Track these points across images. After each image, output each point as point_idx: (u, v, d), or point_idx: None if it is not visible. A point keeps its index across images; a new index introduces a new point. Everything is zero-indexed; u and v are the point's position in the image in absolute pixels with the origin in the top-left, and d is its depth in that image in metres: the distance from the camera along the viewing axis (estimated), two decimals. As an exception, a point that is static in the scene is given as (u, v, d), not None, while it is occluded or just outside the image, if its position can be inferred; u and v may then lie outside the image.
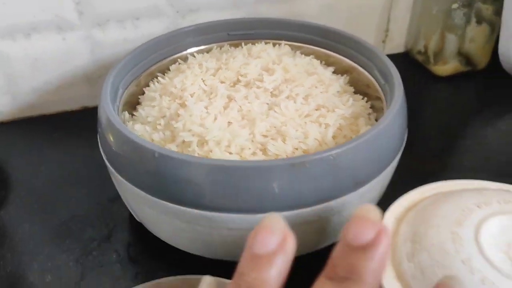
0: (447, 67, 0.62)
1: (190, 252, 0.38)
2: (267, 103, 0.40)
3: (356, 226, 0.18)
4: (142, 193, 0.35)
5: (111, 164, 0.37)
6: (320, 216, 0.34)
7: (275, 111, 0.38)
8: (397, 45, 0.68)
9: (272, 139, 0.36)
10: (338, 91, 0.43)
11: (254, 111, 0.38)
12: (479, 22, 0.58)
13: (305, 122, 0.38)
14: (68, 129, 0.55)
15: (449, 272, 0.22)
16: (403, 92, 0.38)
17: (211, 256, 0.37)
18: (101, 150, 0.39)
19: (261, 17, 0.50)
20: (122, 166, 0.36)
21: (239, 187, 0.32)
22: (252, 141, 0.36)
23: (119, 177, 0.36)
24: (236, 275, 0.19)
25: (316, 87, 0.42)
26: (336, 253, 0.18)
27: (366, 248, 0.17)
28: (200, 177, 0.32)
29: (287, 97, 0.40)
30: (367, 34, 0.65)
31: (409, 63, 0.67)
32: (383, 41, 0.67)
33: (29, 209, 0.45)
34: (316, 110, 0.39)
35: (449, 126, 0.57)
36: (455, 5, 0.57)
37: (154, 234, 0.39)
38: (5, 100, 0.54)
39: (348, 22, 0.62)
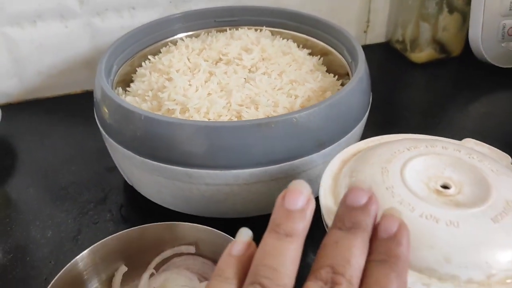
0: (422, 54, 0.66)
1: (173, 208, 0.42)
2: (244, 78, 0.44)
3: (354, 194, 0.23)
4: (131, 154, 0.39)
5: (104, 130, 0.42)
6: (287, 173, 0.39)
7: (250, 84, 0.43)
8: (378, 35, 0.72)
9: (246, 107, 0.41)
10: (311, 70, 0.47)
11: (232, 84, 0.43)
12: (451, 11, 0.63)
13: (277, 94, 0.42)
14: (70, 110, 0.60)
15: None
16: (365, 66, 0.43)
17: (191, 212, 0.42)
18: (96, 118, 0.44)
19: (245, 5, 0.54)
20: (114, 130, 0.40)
21: (214, 146, 0.37)
22: (229, 109, 0.41)
23: (111, 140, 0.41)
24: (272, 225, 0.23)
25: (290, 65, 0.46)
26: (340, 211, 0.24)
27: (363, 207, 0.23)
28: (180, 136, 0.37)
29: (263, 73, 0.45)
30: (349, 25, 0.69)
31: (389, 52, 0.72)
32: (365, 31, 0.71)
33: (33, 176, 0.50)
34: (289, 84, 0.44)
35: (423, 107, 0.61)
36: (428, -5, 0.62)
37: (141, 193, 0.44)
38: (14, 83, 0.59)
39: (330, 14, 0.66)
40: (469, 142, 0.32)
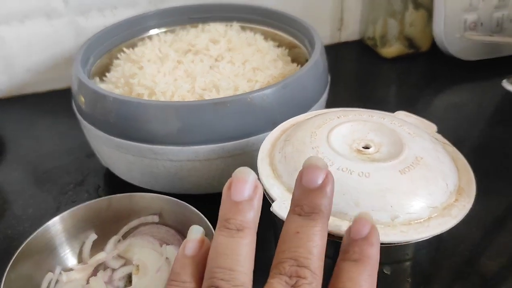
0: (392, 49, 0.70)
1: (143, 186, 0.46)
2: (210, 66, 0.48)
3: (310, 173, 0.23)
4: (103, 134, 0.43)
5: (80, 114, 0.45)
6: (244, 150, 0.42)
7: (214, 71, 0.47)
8: (352, 32, 0.76)
9: (209, 91, 0.45)
10: (274, 59, 0.51)
11: (197, 71, 0.47)
12: (416, 8, 0.66)
13: (238, 79, 0.46)
14: (55, 104, 0.64)
15: (302, 156, 0.30)
16: (320, 52, 0.46)
17: (160, 189, 0.45)
18: (73, 105, 0.47)
19: (217, 2, 0.58)
20: (87, 113, 0.44)
21: (175, 123, 0.40)
22: (192, 93, 0.45)
23: (85, 122, 0.44)
24: (222, 221, 0.22)
25: (254, 54, 0.50)
26: (297, 194, 0.23)
27: (319, 188, 0.23)
28: (145, 115, 0.40)
29: (228, 62, 0.48)
30: (323, 24, 0.73)
31: (362, 48, 0.75)
32: (339, 29, 0.75)
33: (18, 162, 0.54)
34: (251, 71, 0.48)
35: (392, 99, 0.65)
36: (394, -7, 0.65)
37: (115, 173, 0.47)
38: (3, 79, 0.63)
39: (304, 13, 0.69)
40: (400, 114, 0.36)
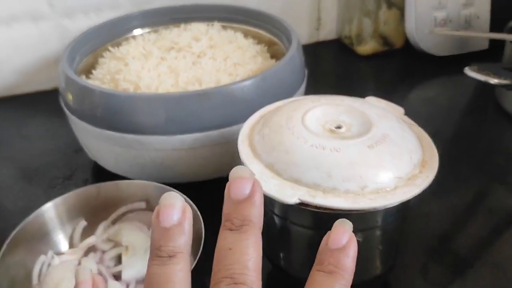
0: (367, 47, 0.73)
1: (131, 177, 0.47)
2: (193, 62, 0.50)
3: (237, 184, 0.22)
4: (90, 127, 0.45)
5: (68, 109, 0.47)
6: (227, 138, 0.44)
7: (196, 67, 0.49)
8: (329, 32, 0.79)
9: (192, 85, 0.47)
10: (253, 55, 0.53)
11: (180, 67, 0.49)
12: (389, 7, 0.69)
13: (220, 74, 0.48)
14: (44, 104, 0.65)
15: (279, 136, 0.32)
16: (296, 47, 0.49)
17: (148, 179, 0.47)
18: (61, 101, 0.49)
19: (198, 3, 0.61)
20: (75, 108, 0.46)
21: (160, 114, 0.42)
22: (176, 87, 0.47)
23: (73, 117, 0.46)
24: (153, 250, 0.22)
25: (235, 51, 0.53)
26: (227, 208, 0.23)
27: (248, 199, 0.22)
28: (131, 107, 0.43)
29: (210, 58, 0.51)
30: (301, 24, 0.76)
31: (340, 47, 0.78)
32: (317, 29, 0.78)
33: (8, 159, 0.55)
34: (232, 67, 0.50)
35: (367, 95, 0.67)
36: (367, -8, 0.69)
37: (101, 165, 0.49)
38: (-8, 81, 0.65)
39: (282, 14, 0.72)
40: (371, 99, 0.38)
